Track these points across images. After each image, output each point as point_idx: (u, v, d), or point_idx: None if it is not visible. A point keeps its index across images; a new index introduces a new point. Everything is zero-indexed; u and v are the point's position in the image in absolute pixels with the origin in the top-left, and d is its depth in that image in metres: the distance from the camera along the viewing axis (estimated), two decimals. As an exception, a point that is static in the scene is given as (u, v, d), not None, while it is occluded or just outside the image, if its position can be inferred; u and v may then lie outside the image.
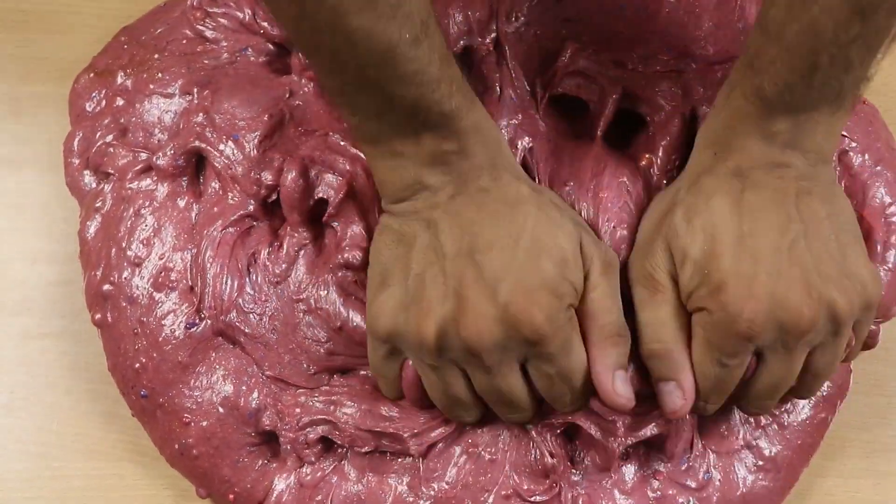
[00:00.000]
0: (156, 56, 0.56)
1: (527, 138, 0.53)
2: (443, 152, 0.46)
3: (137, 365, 0.52)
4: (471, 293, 0.44)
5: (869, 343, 0.53)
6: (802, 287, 0.44)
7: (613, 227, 0.51)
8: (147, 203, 0.53)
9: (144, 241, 0.53)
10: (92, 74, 0.57)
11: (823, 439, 0.54)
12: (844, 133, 0.55)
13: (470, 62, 0.55)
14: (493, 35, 0.55)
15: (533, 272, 0.44)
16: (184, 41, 0.57)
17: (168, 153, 0.53)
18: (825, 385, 0.53)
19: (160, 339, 0.52)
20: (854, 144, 0.55)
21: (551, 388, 0.47)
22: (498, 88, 0.54)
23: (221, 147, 0.53)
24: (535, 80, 0.55)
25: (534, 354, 0.46)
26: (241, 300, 0.52)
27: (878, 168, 0.55)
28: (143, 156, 0.54)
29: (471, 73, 0.55)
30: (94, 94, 0.56)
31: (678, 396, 0.46)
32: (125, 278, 0.52)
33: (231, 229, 0.53)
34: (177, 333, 0.52)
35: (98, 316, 0.53)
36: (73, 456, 0.54)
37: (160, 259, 0.53)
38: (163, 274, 0.52)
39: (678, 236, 0.46)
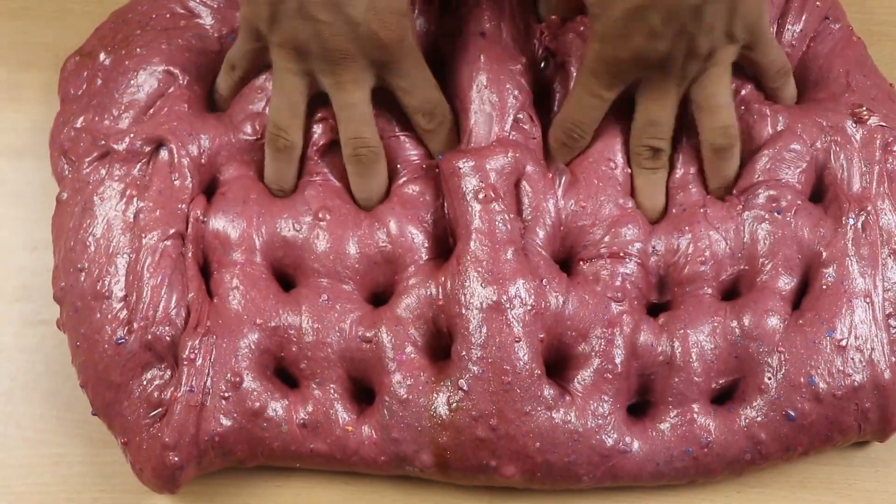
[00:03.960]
0: (137, 32, 0.55)
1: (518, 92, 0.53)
2: None
3: (80, 381, 0.50)
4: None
5: None
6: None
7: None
8: (94, 196, 0.51)
9: (86, 243, 0.50)
10: (78, 57, 0.56)
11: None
12: (883, 123, 0.53)
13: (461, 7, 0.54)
14: None
15: None
16: (168, 15, 0.55)
17: (128, 138, 0.51)
18: None
19: (94, 355, 0.49)
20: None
21: (412, 97, 0.51)
22: (499, 26, 0.53)
23: (190, 148, 0.51)
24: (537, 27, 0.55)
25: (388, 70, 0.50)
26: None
27: None
28: (103, 142, 0.51)
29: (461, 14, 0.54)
30: (79, 77, 0.55)
31: None
32: (70, 285, 0.50)
33: (169, 242, 0.50)
34: (107, 349, 0.49)
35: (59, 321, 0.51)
36: (74, 442, 0.54)
37: (98, 265, 0.50)
38: (100, 283, 0.49)
39: None
